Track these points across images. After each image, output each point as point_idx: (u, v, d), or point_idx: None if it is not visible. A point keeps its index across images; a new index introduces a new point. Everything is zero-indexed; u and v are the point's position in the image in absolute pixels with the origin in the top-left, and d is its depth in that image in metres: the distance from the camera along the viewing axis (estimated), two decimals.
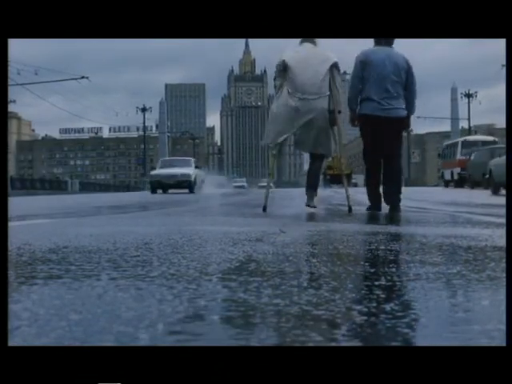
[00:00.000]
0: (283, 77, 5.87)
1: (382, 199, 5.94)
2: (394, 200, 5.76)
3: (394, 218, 5.37)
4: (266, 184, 8.23)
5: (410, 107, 5.84)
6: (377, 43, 5.86)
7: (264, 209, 5.98)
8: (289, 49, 6.07)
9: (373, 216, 5.78)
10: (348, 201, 5.93)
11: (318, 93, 5.77)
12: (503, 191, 15.69)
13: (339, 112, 5.90)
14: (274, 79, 6.09)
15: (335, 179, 23.88)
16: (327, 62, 5.81)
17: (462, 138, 27.19)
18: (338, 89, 5.83)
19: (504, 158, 15.47)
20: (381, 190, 6.01)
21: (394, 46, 5.92)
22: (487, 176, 17.81)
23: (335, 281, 1.79)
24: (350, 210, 5.80)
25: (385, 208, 5.95)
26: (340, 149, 6.19)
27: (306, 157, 6.52)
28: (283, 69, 5.85)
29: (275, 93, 6.09)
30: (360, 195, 6.84)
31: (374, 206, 5.86)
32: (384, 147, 5.80)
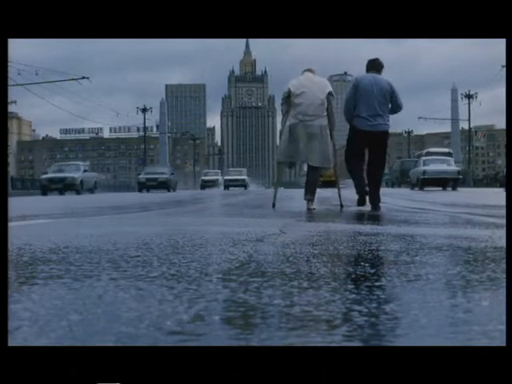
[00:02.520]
0: (289, 103, 7.13)
1: (367, 197, 7.05)
2: (376, 202, 6.81)
3: (392, 218, 5.40)
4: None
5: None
6: (368, 70, 7.11)
7: (273, 205, 7.30)
8: (293, 79, 7.31)
9: (371, 216, 5.82)
10: (340, 200, 7.13)
11: (317, 114, 6.99)
12: (415, 188, 24.94)
13: (333, 130, 7.16)
14: (282, 104, 7.31)
15: (325, 185, 25.37)
16: (324, 90, 7.08)
17: (426, 150, 35.53)
18: (333, 113, 7.15)
19: (417, 168, 25.97)
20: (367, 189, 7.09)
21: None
22: (408, 179, 27.94)
23: (335, 281, 1.79)
24: (341, 206, 6.96)
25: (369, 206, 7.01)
26: (334, 161, 7.34)
27: None
28: (288, 96, 7.10)
29: (282, 116, 7.39)
30: (351, 196, 7.82)
31: (362, 202, 7.00)
32: (369, 155, 7.00)
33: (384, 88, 6.86)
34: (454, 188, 24.07)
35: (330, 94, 7.06)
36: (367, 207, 7.02)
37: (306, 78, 7.13)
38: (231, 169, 48.67)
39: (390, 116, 7.10)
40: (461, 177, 26.24)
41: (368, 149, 6.94)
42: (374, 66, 7.08)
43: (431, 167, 25.13)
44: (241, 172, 44.47)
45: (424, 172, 24.70)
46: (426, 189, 23.93)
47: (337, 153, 7.45)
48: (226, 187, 39.39)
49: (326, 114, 7.02)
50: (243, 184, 40.07)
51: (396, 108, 6.95)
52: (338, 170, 7.77)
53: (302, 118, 6.96)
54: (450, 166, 25.74)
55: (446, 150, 36.86)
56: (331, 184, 15.51)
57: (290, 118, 7.09)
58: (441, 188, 24.31)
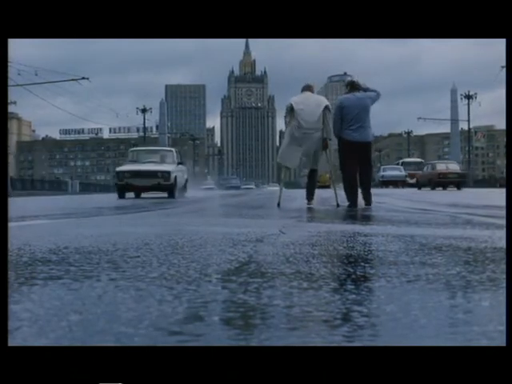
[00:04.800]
0: (291, 115, 8.32)
1: (361, 197, 8.11)
2: (368, 199, 8.07)
3: (392, 219, 5.40)
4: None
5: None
6: (349, 90, 8.31)
7: (278, 205, 8.29)
8: (295, 96, 8.52)
9: (371, 217, 5.83)
10: (336, 199, 8.23)
11: (315, 127, 8.23)
12: (377, 187, 31.89)
13: (330, 139, 8.39)
14: (285, 117, 8.53)
15: (320, 188, 28.13)
16: (321, 106, 8.32)
17: (402, 160, 45.00)
18: (329, 124, 8.25)
19: (378, 173, 38.10)
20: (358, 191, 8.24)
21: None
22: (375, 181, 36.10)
23: (335, 282, 1.79)
24: (337, 205, 8.00)
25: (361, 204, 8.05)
26: (330, 166, 8.76)
27: None
28: (291, 110, 8.30)
29: (285, 127, 8.66)
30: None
31: (353, 203, 7.98)
32: (358, 162, 8.15)
33: (364, 104, 8.16)
34: (402, 186, 34.57)
35: (326, 108, 8.33)
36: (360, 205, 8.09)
37: (305, 96, 8.42)
38: (140, 148, 22.42)
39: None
40: (407, 179, 36.44)
41: (357, 156, 8.12)
42: (354, 86, 8.36)
43: (387, 172, 38.47)
44: (162, 156, 18.87)
45: (382, 176, 37.72)
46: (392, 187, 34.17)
47: (332, 157, 8.77)
48: (123, 190, 17.04)
49: (322, 126, 8.31)
50: (165, 184, 16.80)
51: (377, 97, 8.29)
52: (334, 174, 9.08)
53: (303, 131, 8.23)
54: (400, 172, 37.77)
55: (418, 159, 48.56)
56: (326, 188, 16.88)
57: (292, 128, 8.32)
58: (396, 187, 34.42)
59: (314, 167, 8.65)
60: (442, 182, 28.96)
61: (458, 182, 29.10)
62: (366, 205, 7.94)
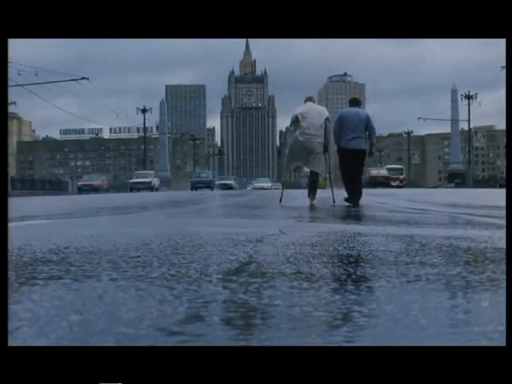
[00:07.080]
0: (296, 125, 9.34)
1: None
2: (357, 199, 8.89)
3: (392, 219, 5.41)
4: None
5: (370, 143, 9.57)
6: (350, 105, 9.58)
7: (280, 200, 9.62)
8: (299, 107, 9.53)
9: (370, 217, 5.84)
10: (333, 198, 9.12)
11: (317, 134, 9.22)
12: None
13: (329, 146, 9.35)
14: (290, 125, 9.60)
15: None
16: (323, 116, 9.35)
17: (386, 166, 50.10)
18: (329, 132, 9.32)
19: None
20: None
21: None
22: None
23: (335, 282, 1.79)
24: (333, 202, 8.94)
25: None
26: (328, 169, 9.80)
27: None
28: (296, 120, 9.31)
29: (290, 133, 9.74)
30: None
31: (350, 200, 8.84)
32: (353, 167, 9.21)
33: (362, 118, 9.24)
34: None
35: (327, 119, 9.33)
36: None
37: (308, 107, 9.41)
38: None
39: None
40: (390, 182, 42.55)
41: (352, 161, 9.15)
42: (355, 102, 9.67)
43: None
44: None
45: None
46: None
47: (331, 160, 9.71)
48: None
49: (323, 134, 9.32)
50: None
51: (371, 130, 9.30)
52: (333, 175, 9.99)
53: (307, 137, 9.18)
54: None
55: (398, 166, 55.92)
56: (322, 189, 17.96)
57: (297, 135, 9.27)
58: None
59: (315, 169, 9.66)
60: (373, 182, 39.18)
61: (386, 182, 40.87)
62: (353, 205, 8.62)
